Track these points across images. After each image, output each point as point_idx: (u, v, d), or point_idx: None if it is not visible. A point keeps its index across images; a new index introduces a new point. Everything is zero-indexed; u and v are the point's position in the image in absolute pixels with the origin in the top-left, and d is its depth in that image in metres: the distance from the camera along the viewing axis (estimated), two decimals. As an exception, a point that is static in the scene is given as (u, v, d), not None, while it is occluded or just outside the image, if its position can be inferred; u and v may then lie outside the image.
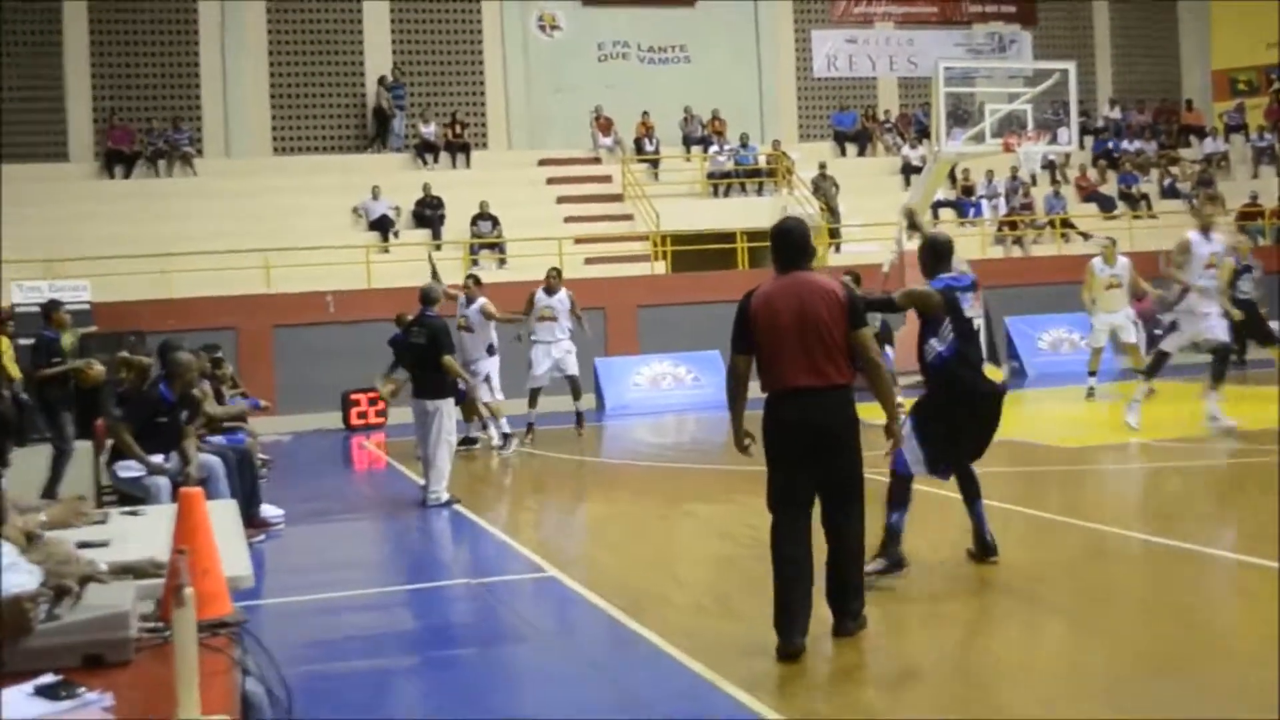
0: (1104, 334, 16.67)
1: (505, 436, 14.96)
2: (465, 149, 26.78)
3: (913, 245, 20.22)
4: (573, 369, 15.80)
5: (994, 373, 7.65)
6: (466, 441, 14.93)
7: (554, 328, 15.83)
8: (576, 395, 15.82)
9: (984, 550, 7.81)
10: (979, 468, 7.89)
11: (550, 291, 15.93)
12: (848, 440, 6.20)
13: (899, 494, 7.52)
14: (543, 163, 26.95)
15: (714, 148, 27.45)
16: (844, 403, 6.17)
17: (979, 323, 7.62)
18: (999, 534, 8.13)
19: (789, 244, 6.25)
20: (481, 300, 15.55)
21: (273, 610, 7.77)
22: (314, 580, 8.79)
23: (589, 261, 23.36)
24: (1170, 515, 9.54)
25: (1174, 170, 29.56)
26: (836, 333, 6.12)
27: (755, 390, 6.12)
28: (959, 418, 7.40)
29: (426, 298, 12.06)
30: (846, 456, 6.20)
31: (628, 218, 25.24)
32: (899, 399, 7.21)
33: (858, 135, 29.50)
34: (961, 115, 24.84)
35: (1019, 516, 9.52)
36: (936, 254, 7.68)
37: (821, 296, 6.14)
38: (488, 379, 15.31)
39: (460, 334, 15.32)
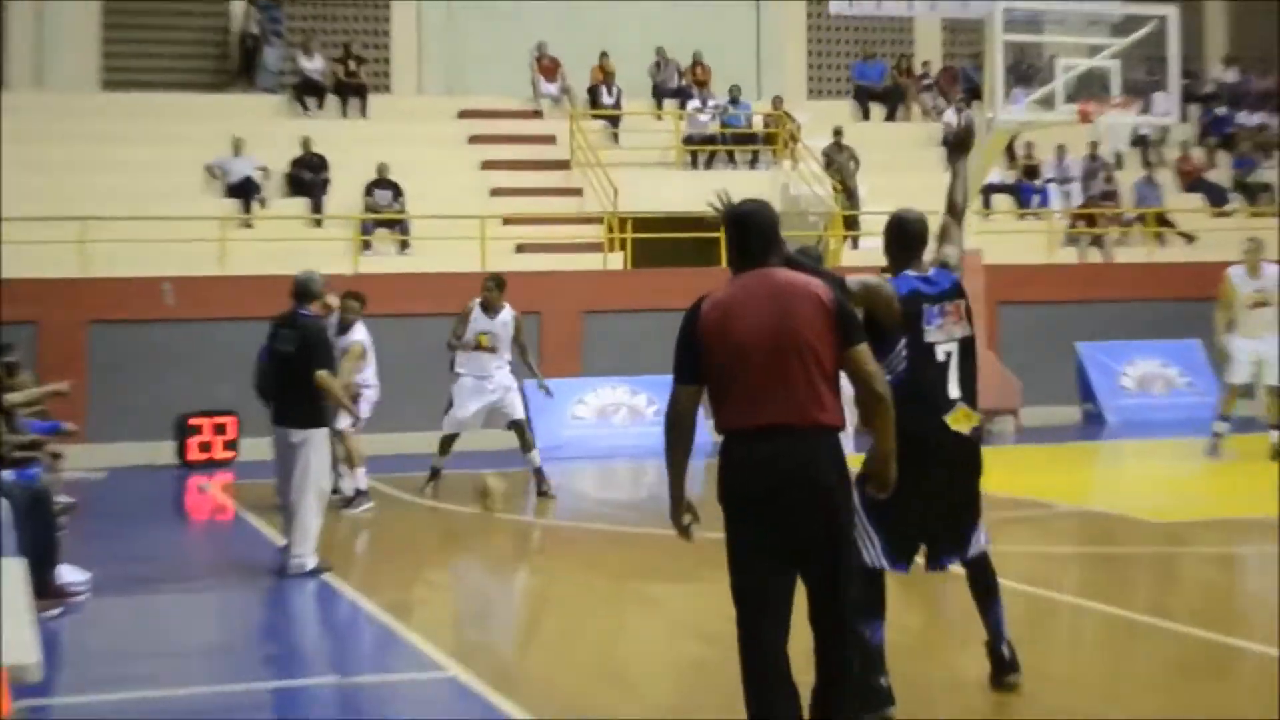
0: (1247, 368, 16.61)
1: (359, 492, 14.77)
2: (361, 92, 26.73)
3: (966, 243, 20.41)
4: (517, 412, 15.59)
5: (962, 418, 7.29)
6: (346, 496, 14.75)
7: (489, 360, 15.62)
8: (526, 447, 15.59)
9: (1000, 668, 7.61)
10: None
11: (490, 309, 15.71)
12: (839, 503, 5.99)
13: (870, 597, 7.16)
14: (464, 114, 26.93)
15: (694, 103, 27.54)
16: (833, 451, 5.99)
17: (950, 350, 7.35)
18: (1063, 635, 8.06)
19: (752, 231, 6.12)
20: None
21: (68, 713, 7.65)
22: (128, 673, 8.69)
23: (521, 249, 23.31)
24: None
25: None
26: (823, 351, 5.97)
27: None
28: (905, 482, 6.64)
29: (303, 290, 11.93)
30: (838, 527, 5.99)
31: (575, 192, 25.25)
32: (849, 450, 6.96)
33: (887, 93, 29.67)
34: (1025, 72, 24.90)
35: (1092, 615, 9.49)
36: (902, 239, 7.44)
37: (802, 301, 5.99)
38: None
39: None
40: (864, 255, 24.29)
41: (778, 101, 27.56)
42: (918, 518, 7.22)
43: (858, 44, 30.84)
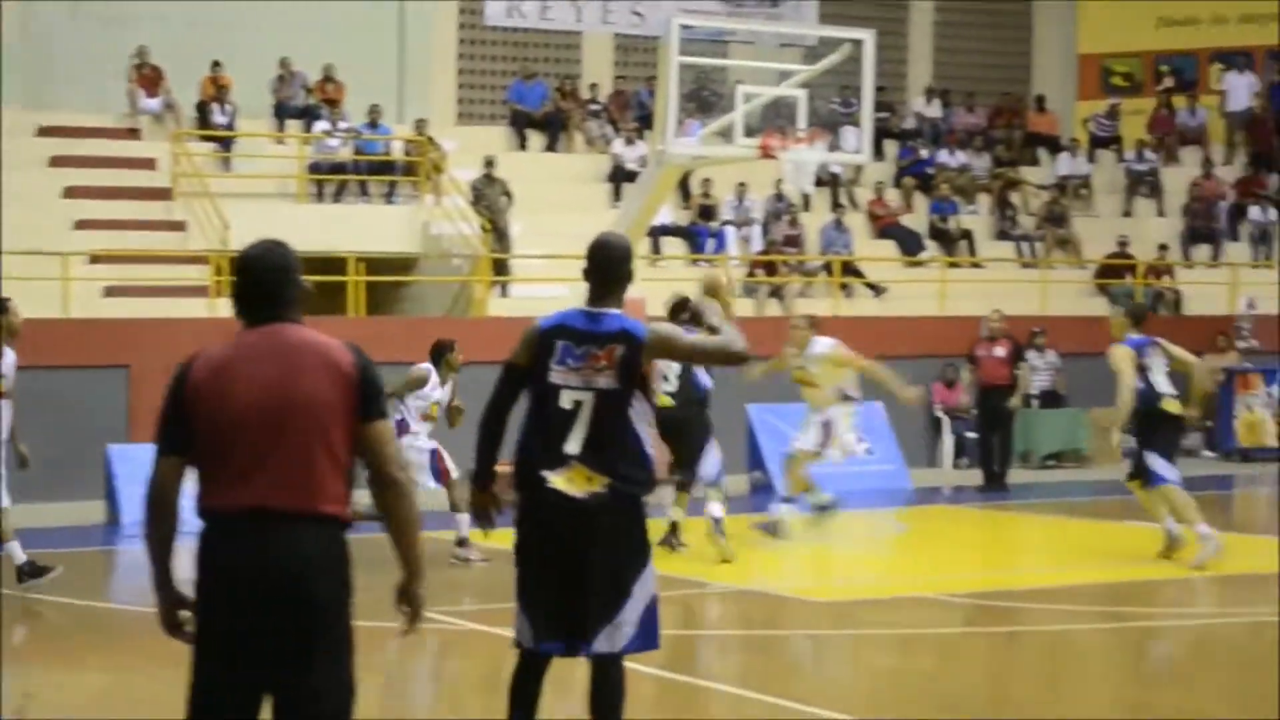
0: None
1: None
2: (-82, 102, 26.21)
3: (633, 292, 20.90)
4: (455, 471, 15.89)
5: (580, 478, 7.39)
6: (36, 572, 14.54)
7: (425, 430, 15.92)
8: (455, 506, 15.72)
9: None
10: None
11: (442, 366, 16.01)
12: (324, 609, 5.74)
13: (518, 684, 7.48)
14: (45, 132, 26.63)
15: (322, 125, 27.69)
16: (330, 545, 5.79)
17: (582, 399, 7.65)
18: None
19: (260, 278, 6.00)
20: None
21: None
22: None
23: (111, 293, 23.18)
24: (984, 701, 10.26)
25: (1013, 197, 31.33)
26: (334, 425, 5.82)
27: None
28: (527, 551, 7.38)
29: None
30: (316, 639, 5.72)
31: (178, 226, 25.13)
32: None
33: (548, 119, 30.26)
34: (707, 100, 25.63)
35: (752, 705, 10.09)
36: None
37: (314, 365, 5.87)
38: None
39: None
40: (515, 304, 24.74)
41: (421, 126, 27.74)
42: (554, 592, 7.32)
43: (516, 61, 31.37)
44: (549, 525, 7.32)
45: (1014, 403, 22.76)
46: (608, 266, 7.53)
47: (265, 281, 5.98)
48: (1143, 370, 15.41)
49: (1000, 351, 22.71)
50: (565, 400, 7.40)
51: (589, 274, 7.53)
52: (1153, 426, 15.41)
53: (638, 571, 7.38)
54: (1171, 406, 15.42)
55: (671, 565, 15.11)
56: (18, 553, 14.65)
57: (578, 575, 7.31)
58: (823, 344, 17.24)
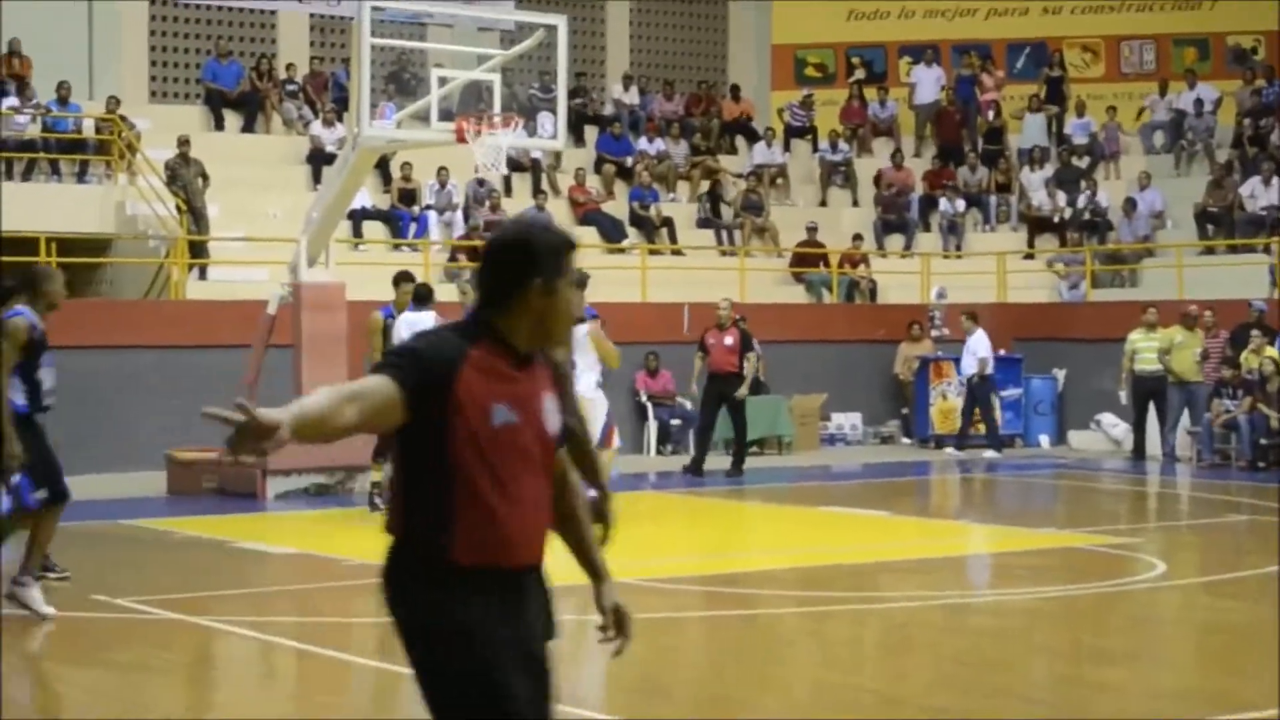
0: None
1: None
2: None
3: (318, 275, 20.82)
4: None
5: None
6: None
7: None
8: None
9: None
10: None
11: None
12: None
13: None
14: None
15: (10, 101, 27.14)
16: None
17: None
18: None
19: None
20: None
21: None
22: None
23: None
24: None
25: (712, 186, 31.76)
26: None
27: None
28: None
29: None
30: None
31: None
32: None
33: (244, 99, 30.05)
34: (407, 82, 25.63)
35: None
36: None
37: None
38: None
39: None
40: (213, 288, 24.51)
41: (113, 104, 27.41)
42: None
43: (211, 40, 31.03)
44: None
45: (742, 391, 23.01)
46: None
47: None
48: None
49: (729, 340, 22.96)
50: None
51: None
52: None
53: None
54: None
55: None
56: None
57: None
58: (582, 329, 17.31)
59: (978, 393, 26.08)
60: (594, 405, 16.89)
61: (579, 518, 5.56)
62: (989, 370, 25.97)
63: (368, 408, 4.92)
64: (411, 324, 17.70)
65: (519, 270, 5.13)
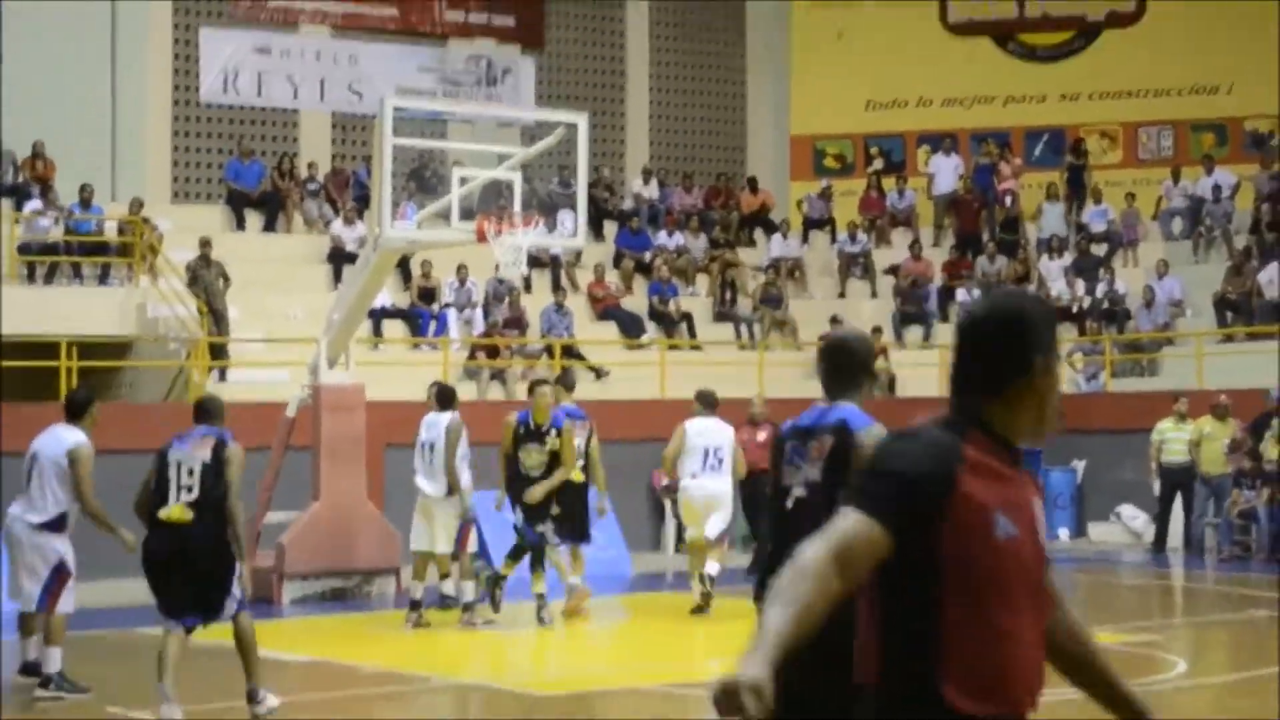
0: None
1: None
2: None
3: (338, 376, 20.87)
4: None
5: None
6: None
7: None
8: None
9: None
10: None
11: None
12: None
13: None
14: None
15: (33, 204, 27.26)
16: None
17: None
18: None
19: None
20: None
21: None
22: None
23: None
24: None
25: (734, 278, 31.79)
26: None
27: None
28: None
29: None
30: None
31: None
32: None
33: (265, 198, 30.17)
34: (429, 181, 25.68)
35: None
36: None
37: None
38: None
39: None
40: (234, 388, 24.52)
41: (136, 205, 27.51)
42: None
43: (233, 139, 31.19)
44: None
45: None
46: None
47: None
48: None
49: (762, 436, 22.55)
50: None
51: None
52: None
53: None
54: None
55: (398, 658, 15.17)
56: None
57: None
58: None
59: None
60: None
61: (1099, 656, 4.85)
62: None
63: (860, 571, 4.19)
64: (430, 425, 17.79)
65: (1019, 348, 4.42)
